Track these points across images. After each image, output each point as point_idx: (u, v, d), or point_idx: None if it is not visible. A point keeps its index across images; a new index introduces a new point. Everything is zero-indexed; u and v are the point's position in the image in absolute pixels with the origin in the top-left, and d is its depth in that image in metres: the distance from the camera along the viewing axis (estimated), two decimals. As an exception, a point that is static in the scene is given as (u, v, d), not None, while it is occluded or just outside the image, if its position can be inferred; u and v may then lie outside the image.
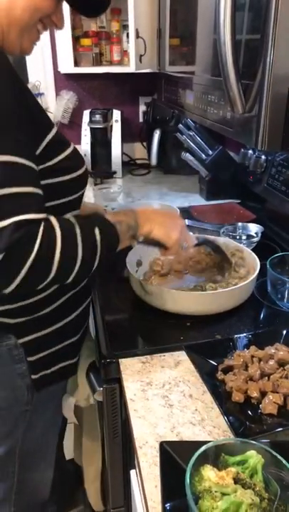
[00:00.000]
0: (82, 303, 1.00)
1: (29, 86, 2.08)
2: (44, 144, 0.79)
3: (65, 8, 0.85)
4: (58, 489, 1.24)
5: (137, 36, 1.74)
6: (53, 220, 0.73)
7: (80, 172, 0.88)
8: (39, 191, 0.72)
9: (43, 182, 0.79)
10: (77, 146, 0.95)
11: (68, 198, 0.86)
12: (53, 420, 1.07)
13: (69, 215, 0.81)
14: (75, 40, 1.93)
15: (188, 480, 0.52)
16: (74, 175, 0.86)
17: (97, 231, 0.78)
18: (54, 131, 0.83)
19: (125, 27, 1.97)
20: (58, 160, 0.82)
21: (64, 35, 1.84)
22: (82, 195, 0.93)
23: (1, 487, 1.03)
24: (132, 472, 0.87)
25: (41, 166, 0.78)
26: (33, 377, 0.92)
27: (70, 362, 0.99)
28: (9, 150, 0.68)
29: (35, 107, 0.79)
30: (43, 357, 0.93)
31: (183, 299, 0.96)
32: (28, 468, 1.04)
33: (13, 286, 0.69)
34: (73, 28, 1.90)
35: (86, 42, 1.95)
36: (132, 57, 1.82)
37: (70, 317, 0.96)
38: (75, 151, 0.89)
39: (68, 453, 1.48)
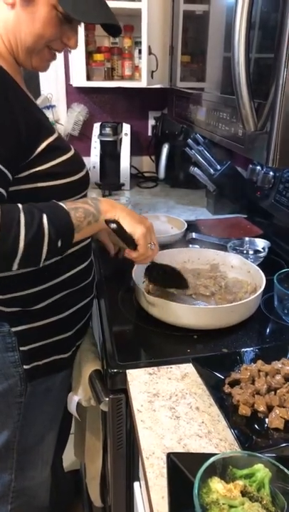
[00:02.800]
0: (78, 303, 1.02)
1: (41, 98, 2.13)
2: (39, 149, 0.83)
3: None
4: (55, 500, 1.24)
5: (150, 53, 1.77)
6: None
7: (76, 177, 0.91)
8: None
9: (38, 184, 0.84)
10: (86, 158, 0.98)
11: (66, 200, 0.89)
12: (50, 420, 1.09)
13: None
14: (88, 55, 1.97)
15: (196, 491, 0.52)
16: (70, 179, 0.89)
17: (44, 217, 0.77)
18: (52, 138, 0.86)
19: (137, 43, 2.01)
20: (53, 164, 0.85)
21: (78, 51, 1.88)
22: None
23: None
24: (136, 484, 0.86)
25: (34, 170, 0.83)
26: (25, 367, 0.95)
27: (62, 356, 1.01)
28: None
29: (29, 117, 0.81)
30: (35, 348, 0.95)
31: (183, 312, 0.95)
32: (26, 465, 1.06)
33: None
34: (87, 43, 1.94)
35: (99, 57, 1.99)
36: (143, 72, 1.85)
37: (64, 314, 0.98)
38: (74, 157, 0.92)
39: (67, 465, 1.48)
